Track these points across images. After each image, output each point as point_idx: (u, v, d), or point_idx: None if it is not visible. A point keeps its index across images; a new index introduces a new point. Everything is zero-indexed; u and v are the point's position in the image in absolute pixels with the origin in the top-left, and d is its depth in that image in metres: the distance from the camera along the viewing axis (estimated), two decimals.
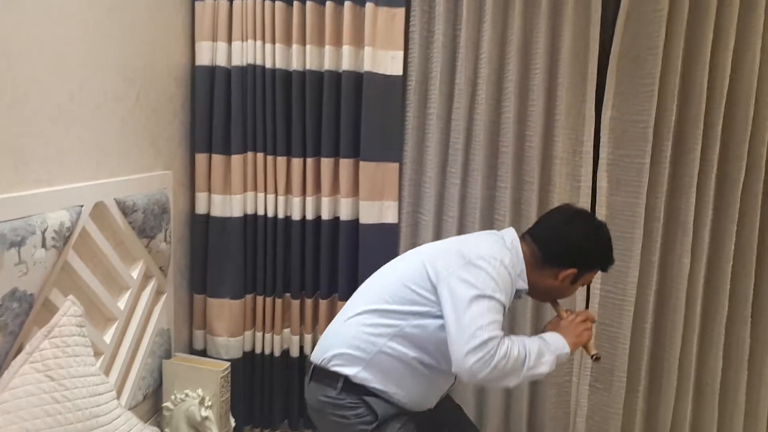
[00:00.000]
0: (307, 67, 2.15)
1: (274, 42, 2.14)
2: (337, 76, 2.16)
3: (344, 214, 2.21)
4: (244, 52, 2.16)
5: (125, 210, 1.80)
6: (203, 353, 2.31)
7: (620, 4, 2.02)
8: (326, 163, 2.20)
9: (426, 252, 1.62)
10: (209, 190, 2.23)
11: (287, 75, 2.17)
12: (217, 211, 2.22)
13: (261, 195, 2.24)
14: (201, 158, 2.22)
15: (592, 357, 1.61)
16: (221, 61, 2.16)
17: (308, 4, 2.12)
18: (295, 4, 2.13)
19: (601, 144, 2.10)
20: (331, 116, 2.17)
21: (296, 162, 2.20)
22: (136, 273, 1.90)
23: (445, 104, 2.16)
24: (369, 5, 2.08)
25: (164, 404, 2.04)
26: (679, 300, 2.13)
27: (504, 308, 1.47)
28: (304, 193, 2.23)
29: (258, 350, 2.32)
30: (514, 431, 2.27)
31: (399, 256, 1.73)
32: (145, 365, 1.96)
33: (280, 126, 2.18)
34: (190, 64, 2.22)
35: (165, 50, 2.07)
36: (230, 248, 2.23)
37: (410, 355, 1.53)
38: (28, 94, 1.47)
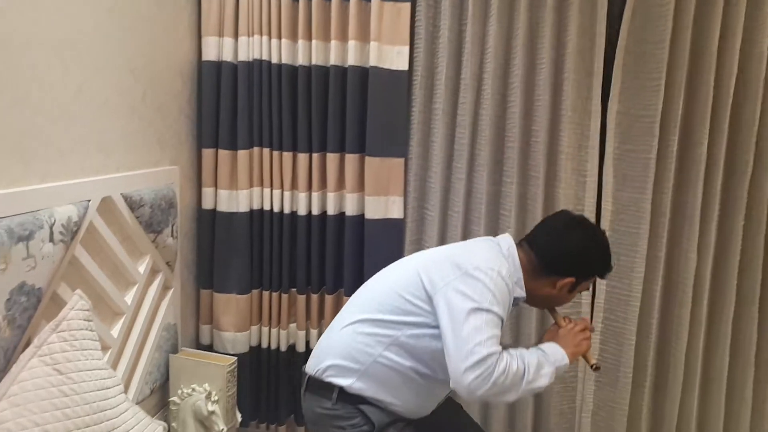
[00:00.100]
0: (313, 62, 2.15)
1: (280, 37, 2.14)
2: (342, 71, 2.16)
3: (350, 210, 2.22)
4: (251, 48, 2.16)
5: (132, 205, 1.81)
6: (210, 348, 2.32)
7: None
8: (332, 158, 2.20)
9: (420, 260, 1.59)
10: (216, 186, 2.24)
11: (293, 70, 2.17)
12: (223, 207, 2.23)
13: (267, 190, 2.24)
14: (207, 153, 2.22)
15: (591, 367, 1.60)
16: (227, 57, 2.17)
17: None
18: None
19: (607, 139, 2.10)
20: (336, 111, 2.18)
21: (302, 157, 2.21)
22: (143, 268, 1.91)
23: (451, 99, 2.16)
24: (375, 0, 2.08)
25: (171, 398, 2.05)
26: (686, 295, 2.12)
27: (502, 321, 1.45)
28: (310, 188, 2.23)
29: (264, 345, 2.33)
30: (520, 427, 2.27)
31: (393, 263, 1.70)
32: (152, 360, 1.97)
33: (286, 121, 2.18)
34: (197, 59, 2.23)
35: (171, 46, 2.08)
36: (237, 243, 2.24)
37: (405, 365, 1.52)
38: (34, 90, 1.48)
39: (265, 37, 2.15)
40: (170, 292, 2.09)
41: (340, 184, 2.24)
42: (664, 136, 2.07)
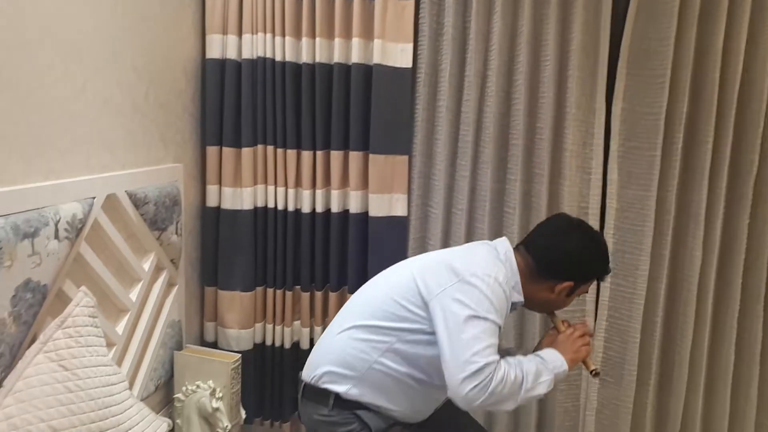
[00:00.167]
0: (317, 59, 2.15)
1: (284, 35, 2.14)
2: (346, 69, 2.16)
3: (354, 207, 2.22)
4: (254, 45, 2.16)
5: (137, 202, 1.82)
6: (214, 345, 2.32)
7: None
8: (336, 155, 2.20)
9: (416, 265, 1.57)
10: (220, 183, 2.24)
11: (297, 68, 2.17)
12: (227, 204, 2.23)
13: (271, 188, 2.25)
14: (211, 151, 2.23)
15: (591, 372, 1.58)
16: (231, 54, 2.17)
17: None
18: None
19: (611, 136, 2.09)
20: (340, 109, 2.18)
21: (306, 155, 2.21)
22: (147, 265, 1.92)
23: (455, 96, 2.16)
24: None
25: (175, 395, 2.06)
26: (691, 293, 2.11)
27: (499, 329, 1.44)
28: (314, 185, 2.23)
29: (268, 342, 2.33)
30: (524, 425, 2.27)
31: (390, 268, 1.68)
32: (156, 356, 1.98)
33: (290, 119, 2.19)
34: (201, 56, 2.23)
35: (175, 43, 2.08)
36: (241, 241, 2.24)
37: (401, 371, 1.51)
38: (39, 87, 1.48)
39: (269, 35, 2.15)
40: (175, 290, 2.09)
41: (344, 182, 2.24)
42: (669, 134, 2.06)
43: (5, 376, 1.35)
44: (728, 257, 2.13)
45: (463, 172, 2.17)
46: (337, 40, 2.13)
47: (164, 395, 2.09)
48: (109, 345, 1.71)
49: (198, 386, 2.02)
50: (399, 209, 2.19)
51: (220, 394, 2.02)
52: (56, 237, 1.45)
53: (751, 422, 2.19)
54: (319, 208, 2.23)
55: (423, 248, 2.25)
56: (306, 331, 2.32)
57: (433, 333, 1.45)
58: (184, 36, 2.14)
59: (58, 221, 1.46)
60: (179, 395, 2.04)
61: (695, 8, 1.97)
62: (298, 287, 2.31)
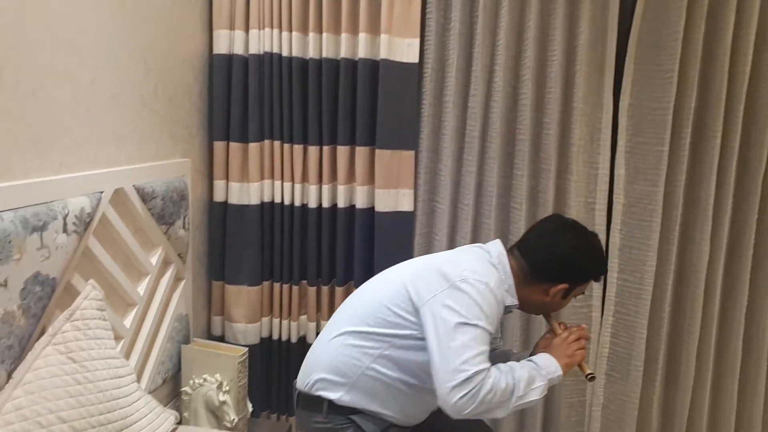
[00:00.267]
0: (324, 55, 2.15)
1: (290, 30, 2.15)
2: (353, 64, 2.16)
3: (360, 202, 2.22)
4: (261, 41, 2.17)
5: (144, 197, 1.83)
6: (221, 339, 2.34)
7: None
8: (342, 151, 2.20)
9: (407, 271, 1.56)
10: (227, 178, 2.25)
11: (304, 63, 2.18)
12: (234, 199, 2.24)
13: (278, 183, 2.25)
14: (219, 146, 2.24)
15: (586, 377, 1.56)
16: (238, 50, 2.18)
17: None
18: None
19: (619, 131, 2.08)
20: (347, 104, 2.18)
21: (312, 150, 2.21)
22: (155, 259, 1.93)
23: (462, 92, 2.15)
24: None
25: (183, 388, 2.07)
26: (698, 288, 2.10)
27: (490, 336, 1.43)
28: (320, 181, 2.24)
29: (275, 336, 2.34)
30: (529, 420, 2.27)
31: (382, 272, 1.68)
32: (164, 350, 1.99)
33: (296, 114, 2.19)
34: (208, 52, 2.24)
35: (183, 39, 2.09)
36: (248, 236, 2.25)
37: (393, 376, 1.51)
38: (47, 82, 1.49)
39: (275, 30, 2.15)
40: (182, 284, 2.10)
41: (351, 177, 2.24)
42: (676, 129, 2.05)
43: (15, 368, 1.36)
44: (736, 253, 2.12)
45: (469, 167, 2.17)
46: (343, 35, 2.13)
47: (172, 388, 2.10)
48: (117, 338, 1.72)
49: (205, 380, 2.03)
50: (405, 204, 2.20)
51: (227, 388, 2.03)
52: (65, 231, 1.46)
53: (758, 418, 2.18)
54: (326, 203, 2.24)
55: (429, 243, 2.25)
56: (312, 325, 2.33)
57: (423, 338, 1.44)
58: (191, 32, 2.14)
59: (67, 215, 1.47)
60: (186, 388, 2.06)
61: (704, 2, 1.96)
62: (304, 282, 2.32)
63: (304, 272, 2.31)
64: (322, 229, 2.26)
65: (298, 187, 2.24)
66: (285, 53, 2.16)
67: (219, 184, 2.26)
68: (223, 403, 2.00)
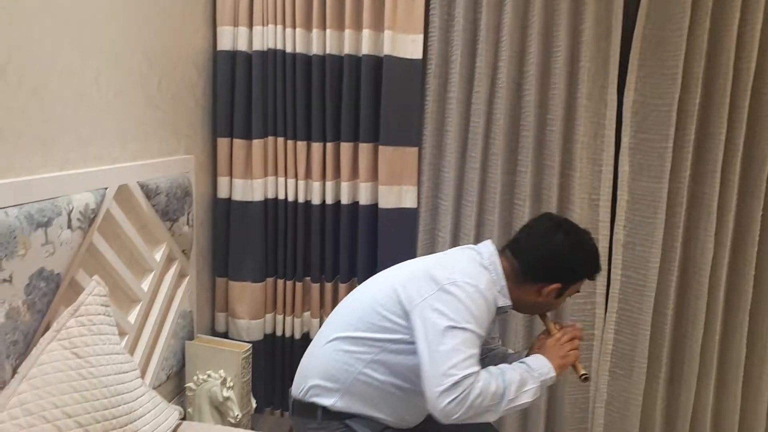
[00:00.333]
0: (327, 51, 2.15)
1: (294, 26, 2.15)
2: (356, 60, 2.16)
3: (363, 199, 2.22)
4: (265, 37, 2.17)
5: (148, 193, 1.83)
6: (225, 335, 2.34)
7: None
8: (346, 147, 2.20)
9: (398, 274, 1.56)
10: (231, 175, 2.26)
11: (307, 59, 2.17)
12: (238, 196, 2.25)
13: (281, 179, 2.26)
14: (222, 143, 2.24)
15: (580, 377, 1.54)
16: (242, 46, 2.18)
17: None
18: None
19: (623, 128, 2.08)
20: (350, 101, 2.18)
21: (316, 146, 2.21)
22: (159, 255, 1.93)
23: (465, 88, 2.15)
24: None
25: (187, 384, 2.08)
26: (702, 286, 2.10)
27: (480, 339, 1.42)
28: (324, 177, 2.24)
29: (279, 333, 2.35)
30: (533, 418, 2.27)
31: (374, 276, 1.67)
32: (168, 346, 2.00)
33: (300, 111, 2.19)
34: (212, 48, 2.24)
35: (186, 35, 2.09)
36: (251, 232, 2.26)
37: (385, 380, 1.50)
38: (51, 79, 1.50)
39: (279, 27, 2.15)
40: (186, 280, 2.11)
41: (354, 174, 2.24)
42: (681, 126, 2.04)
43: (20, 363, 1.37)
44: (740, 250, 2.11)
45: (473, 163, 2.17)
46: (347, 32, 2.13)
47: (176, 384, 2.11)
48: (121, 334, 1.73)
49: (209, 375, 2.04)
50: (409, 201, 2.20)
51: (231, 384, 2.04)
52: (69, 227, 1.47)
53: (762, 415, 2.18)
54: (329, 200, 2.24)
55: (432, 240, 2.25)
56: (316, 321, 2.33)
57: (414, 342, 1.43)
58: (195, 28, 2.15)
59: (71, 211, 1.47)
60: (190, 384, 2.06)
61: None
62: (308, 278, 2.32)
63: (308, 269, 2.31)
64: (325, 226, 2.26)
65: (301, 183, 2.24)
66: (288, 50, 2.16)
67: (223, 180, 2.26)
68: (227, 398, 2.01)
